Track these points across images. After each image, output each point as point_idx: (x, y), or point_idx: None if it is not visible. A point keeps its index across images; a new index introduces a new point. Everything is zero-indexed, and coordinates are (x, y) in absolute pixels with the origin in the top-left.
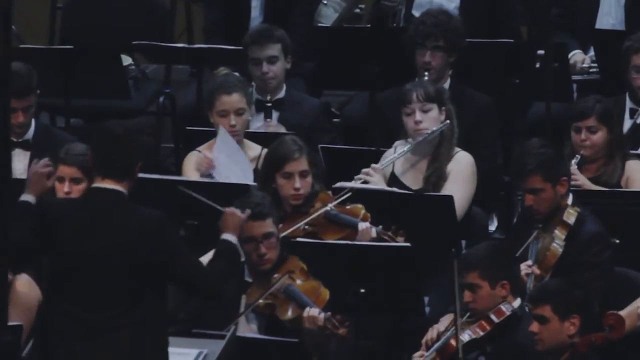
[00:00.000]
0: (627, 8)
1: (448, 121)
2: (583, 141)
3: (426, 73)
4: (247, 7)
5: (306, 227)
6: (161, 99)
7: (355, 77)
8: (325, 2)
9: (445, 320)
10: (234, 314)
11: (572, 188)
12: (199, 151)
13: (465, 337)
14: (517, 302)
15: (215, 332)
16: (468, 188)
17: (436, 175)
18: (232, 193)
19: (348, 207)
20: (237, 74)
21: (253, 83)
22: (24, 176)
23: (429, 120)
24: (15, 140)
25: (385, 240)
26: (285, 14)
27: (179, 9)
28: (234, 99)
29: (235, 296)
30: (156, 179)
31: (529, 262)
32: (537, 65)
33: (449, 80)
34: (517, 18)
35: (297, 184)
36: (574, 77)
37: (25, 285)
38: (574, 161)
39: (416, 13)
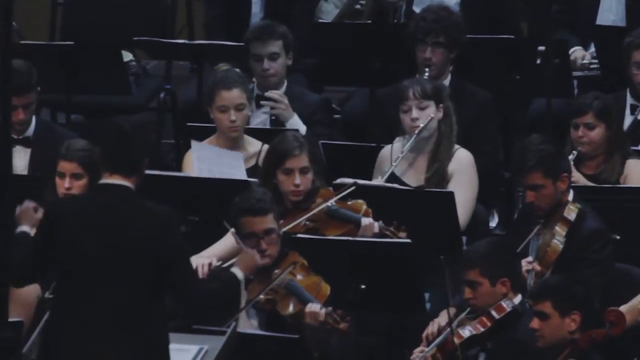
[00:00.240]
0: (627, 4)
1: (432, 116)
2: (580, 137)
3: (427, 69)
4: (248, 3)
5: (307, 222)
6: (162, 95)
7: (355, 73)
8: None
9: (446, 315)
10: (235, 309)
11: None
12: None
13: (466, 333)
14: (517, 299)
15: (216, 328)
16: (472, 189)
17: (438, 175)
18: (233, 189)
19: (349, 202)
20: (237, 70)
21: (254, 79)
22: (24, 173)
23: (425, 117)
24: (15, 137)
25: (387, 236)
26: (285, 9)
27: (180, 5)
28: (234, 95)
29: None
30: (157, 175)
31: (530, 259)
32: (538, 62)
33: (449, 77)
34: (518, 14)
35: (297, 181)
36: (575, 74)
37: None
38: (570, 157)
39: (417, 9)
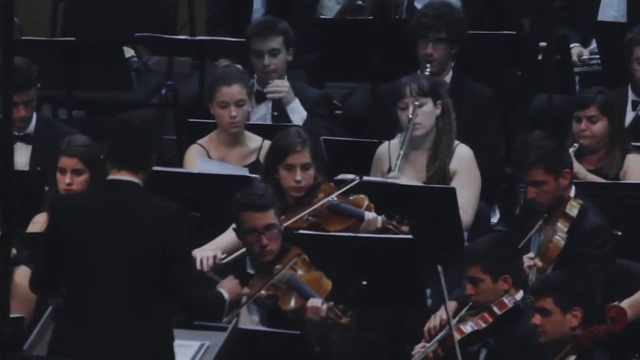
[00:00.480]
0: (628, 0)
1: (409, 127)
2: (583, 131)
3: (428, 65)
4: None
5: (309, 217)
6: (163, 91)
7: (357, 69)
8: None
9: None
10: (236, 305)
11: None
12: (200, 144)
13: (467, 328)
14: (519, 295)
15: (217, 324)
16: (475, 189)
17: (440, 174)
18: (234, 185)
19: (351, 197)
20: (239, 65)
21: (254, 75)
22: (25, 169)
23: (422, 115)
24: (16, 134)
25: (390, 230)
26: (287, 5)
27: (181, 1)
28: (234, 90)
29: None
30: (158, 171)
31: (531, 255)
32: (539, 58)
33: (451, 72)
34: (519, 10)
35: (298, 177)
36: (576, 69)
37: (24, 277)
38: (571, 149)
39: (418, 5)
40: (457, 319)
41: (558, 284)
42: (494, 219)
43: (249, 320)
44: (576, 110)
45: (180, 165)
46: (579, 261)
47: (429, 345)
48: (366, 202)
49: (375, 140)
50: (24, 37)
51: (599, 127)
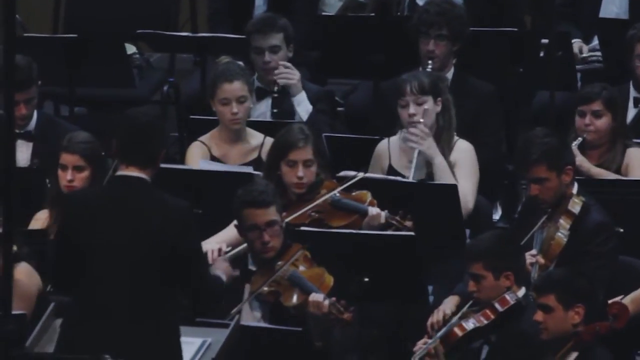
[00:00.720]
0: None
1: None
2: (587, 125)
3: (430, 62)
4: None
5: (312, 213)
6: (165, 87)
7: (359, 66)
8: None
9: (449, 302)
10: (238, 302)
11: (576, 177)
12: (202, 141)
13: (470, 325)
14: (521, 292)
15: (219, 321)
16: (475, 179)
17: None
18: (236, 181)
19: (354, 193)
20: (240, 62)
21: (255, 72)
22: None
23: (423, 112)
24: (17, 131)
25: (394, 225)
26: (289, 2)
27: None
28: (236, 87)
29: (238, 285)
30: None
31: (534, 252)
32: (541, 54)
33: (452, 69)
34: (521, 7)
35: (300, 173)
36: (579, 67)
37: (24, 274)
38: (575, 143)
39: (420, 2)
40: (459, 315)
41: (560, 281)
42: (496, 216)
43: (251, 317)
44: (580, 105)
45: (182, 162)
46: (581, 258)
47: (430, 341)
48: (369, 198)
49: (377, 137)
50: (26, 34)
51: (603, 122)
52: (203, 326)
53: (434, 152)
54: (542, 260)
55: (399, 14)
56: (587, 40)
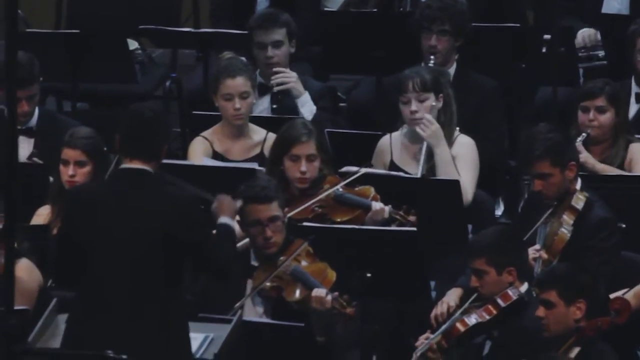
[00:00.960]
0: None
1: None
2: (591, 121)
3: (432, 57)
4: None
5: (316, 208)
6: (168, 83)
7: (361, 61)
8: None
9: (453, 295)
10: (240, 298)
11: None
12: (204, 137)
13: (472, 320)
14: (524, 287)
15: (222, 317)
16: (475, 172)
17: None
18: (239, 177)
19: (357, 188)
20: (243, 58)
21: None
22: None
23: (424, 109)
24: (18, 127)
25: (397, 220)
26: None
27: None
28: (239, 83)
29: (241, 280)
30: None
31: (537, 247)
32: (544, 50)
33: (454, 65)
34: (523, 2)
35: (303, 168)
36: (581, 65)
37: (24, 271)
38: (579, 139)
39: None
40: (461, 310)
41: (562, 277)
42: (498, 212)
43: (253, 312)
44: (584, 100)
45: (185, 157)
46: (584, 254)
47: (432, 336)
48: (372, 193)
49: (379, 133)
50: (28, 30)
51: (607, 117)
52: (205, 321)
53: (436, 141)
54: (545, 256)
55: (401, 9)
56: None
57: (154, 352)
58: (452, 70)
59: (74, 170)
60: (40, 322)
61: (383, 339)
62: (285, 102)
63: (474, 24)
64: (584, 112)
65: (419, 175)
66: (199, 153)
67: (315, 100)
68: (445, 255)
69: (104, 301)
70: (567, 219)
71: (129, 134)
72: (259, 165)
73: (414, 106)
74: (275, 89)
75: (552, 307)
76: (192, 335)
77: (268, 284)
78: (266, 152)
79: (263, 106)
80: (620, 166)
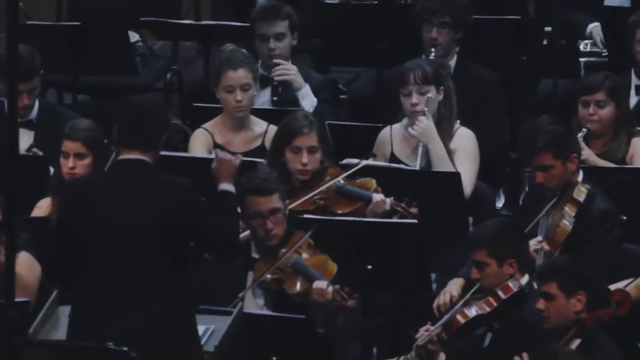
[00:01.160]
0: None
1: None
2: (591, 115)
3: (433, 49)
4: None
5: (317, 200)
6: (169, 75)
7: (362, 53)
8: None
9: (455, 284)
10: (241, 289)
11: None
12: (206, 129)
13: (472, 312)
14: (525, 279)
15: (222, 309)
16: (475, 165)
17: None
18: (240, 169)
19: (358, 180)
20: (244, 50)
21: (259, 59)
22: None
23: (425, 102)
24: (19, 120)
25: (399, 212)
26: None
27: None
28: (240, 75)
29: (242, 272)
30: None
31: (539, 238)
32: (545, 42)
33: (455, 57)
34: None
35: (305, 159)
36: (582, 60)
37: (24, 265)
38: (580, 134)
39: None
40: (461, 302)
41: (561, 269)
42: (499, 204)
43: (254, 304)
44: (583, 95)
45: (186, 149)
46: (586, 246)
47: (432, 328)
48: (374, 185)
49: (380, 125)
50: (29, 22)
51: (607, 111)
52: (206, 313)
53: (428, 139)
54: (547, 247)
55: (402, 1)
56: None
57: (157, 342)
58: (452, 62)
59: (74, 163)
60: (40, 314)
61: (384, 331)
62: (285, 94)
63: (474, 16)
64: (584, 107)
65: (417, 168)
66: (199, 145)
67: (316, 92)
68: (445, 247)
69: (105, 293)
70: (569, 211)
71: (126, 124)
72: (260, 157)
73: (414, 99)
74: (276, 79)
75: (552, 299)
76: None
77: (269, 276)
78: (267, 144)
79: (264, 98)
80: (622, 160)
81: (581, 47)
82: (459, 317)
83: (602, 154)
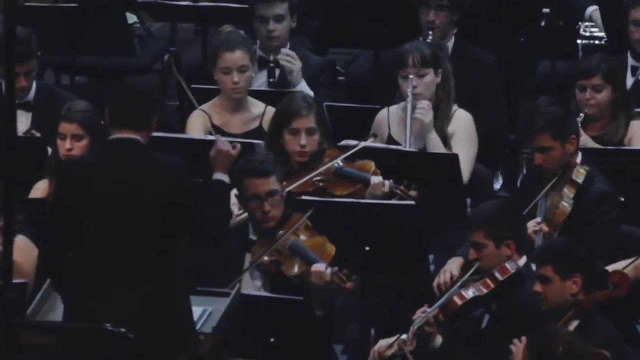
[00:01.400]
0: None
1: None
2: (588, 100)
3: (430, 32)
4: None
5: (315, 182)
6: (166, 57)
7: (360, 35)
8: None
9: (454, 263)
10: (239, 271)
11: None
12: (203, 110)
13: (469, 294)
14: (522, 260)
15: (220, 290)
16: (473, 148)
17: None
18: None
19: (357, 162)
20: (242, 31)
21: (257, 41)
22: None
23: (424, 85)
24: (16, 102)
25: (398, 194)
26: None
27: None
28: (237, 56)
29: (239, 254)
30: (161, 137)
31: (538, 219)
32: (543, 24)
33: (453, 39)
34: None
35: (303, 141)
36: (580, 42)
37: (19, 250)
38: (578, 119)
39: None
40: (459, 284)
41: (557, 252)
42: (497, 185)
43: (251, 286)
44: (580, 79)
45: (183, 131)
46: (584, 227)
47: (430, 310)
48: (373, 167)
49: (378, 107)
50: (26, 4)
51: (604, 95)
52: (204, 295)
53: (430, 128)
54: (546, 229)
55: None
56: None
57: (154, 322)
58: (450, 44)
59: (71, 144)
60: (38, 295)
61: (382, 312)
62: (282, 77)
63: None
64: (581, 91)
65: (407, 146)
66: (197, 126)
67: (315, 75)
68: (444, 229)
69: (101, 272)
70: (568, 192)
71: (117, 104)
72: (257, 139)
73: (413, 81)
74: (280, 62)
75: (548, 282)
76: None
77: (266, 257)
78: (265, 125)
79: (262, 80)
80: (620, 142)
81: (581, 30)
82: (456, 299)
83: (600, 136)
